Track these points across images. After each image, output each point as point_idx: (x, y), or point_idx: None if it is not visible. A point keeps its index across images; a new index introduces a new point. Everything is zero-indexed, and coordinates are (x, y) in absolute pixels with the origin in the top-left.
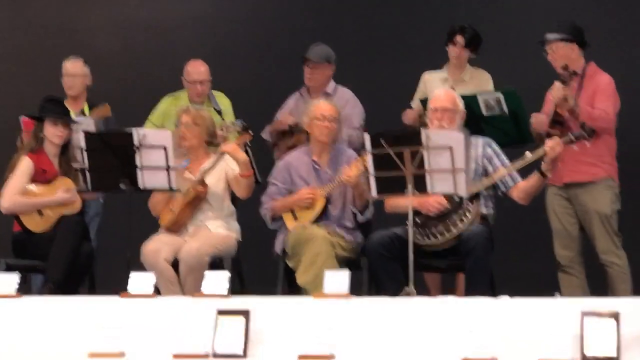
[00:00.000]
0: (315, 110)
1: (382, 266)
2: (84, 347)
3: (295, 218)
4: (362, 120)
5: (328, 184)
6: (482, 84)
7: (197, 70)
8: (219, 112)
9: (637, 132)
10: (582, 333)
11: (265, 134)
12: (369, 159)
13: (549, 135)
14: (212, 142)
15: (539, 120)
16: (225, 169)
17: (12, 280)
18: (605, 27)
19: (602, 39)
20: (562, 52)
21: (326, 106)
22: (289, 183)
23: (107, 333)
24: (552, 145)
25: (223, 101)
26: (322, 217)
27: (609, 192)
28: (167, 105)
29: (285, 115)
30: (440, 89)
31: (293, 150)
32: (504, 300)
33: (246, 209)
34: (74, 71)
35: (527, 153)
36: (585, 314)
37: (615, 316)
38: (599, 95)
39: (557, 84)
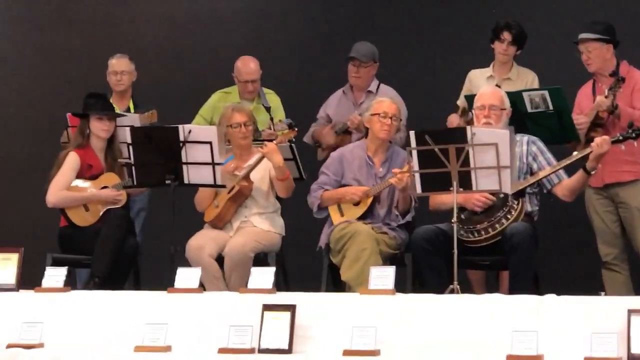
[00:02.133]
0: (378, 106)
1: (427, 261)
2: (130, 342)
3: (342, 214)
4: (405, 119)
5: (378, 184)
6: (528, 82)
7: (247, 69)
8: (268, 110)
9: None
10: (628, 331)
11: (307, 138)
12: (414, 156)
13: (591, 141)
14: (257, 138)
15: (579, 122)
16: (270, 166)
17: (60, 273)
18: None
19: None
20: (597, 53)
21: (390, 104)
22: (340, 175)
23: (153, 328)
24: (599, 143)
25: (272, 99)
26: (368, 215)
27: None
28: (217, 100)
29: (326, 131)
30: (486, 86)
31: (349, 144)
32: (550, 298)
33: (291, 205)
34: (120, 68)
35: (575, 152)
36: (631, 312)
37: None
38: (637, 94)
39: (600, 100)
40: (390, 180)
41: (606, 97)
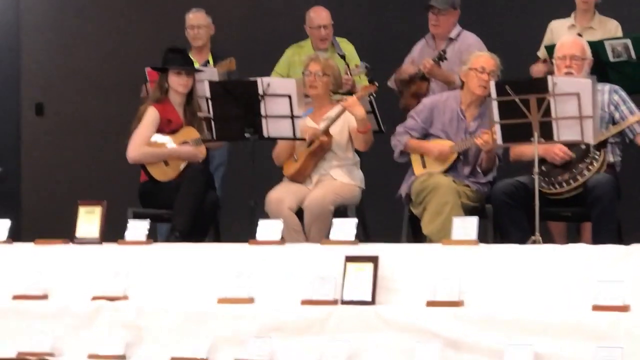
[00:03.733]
0: (476, 61)
1: (507, 214)
2: (214, 293)
3: (424, 166)
4: None
5: (465, 140)
6: (610, 32)
7: (319, 15)
8: (343, 57)
9: None
10: None
11: (391, 82)
12: (494, 106)
13: None
14: (337, 91)
15: None
16: (349, 119)
17: (142, 226)
18: None
19: None
20: None
21: (488, 59)
22: (428, 123)
23: (236, 279)
24: None
25: (346, 46)
26: (451, 170)
27: None
28: (292, 55)
29: (407, 65)
30: (567, 35)
31: (445, 91)
32: (635, 247)
33: (370, 157)
34: (197, 22)
35: None
36: None
37: None
38: None
39: None
40: (477, 141)
41: None
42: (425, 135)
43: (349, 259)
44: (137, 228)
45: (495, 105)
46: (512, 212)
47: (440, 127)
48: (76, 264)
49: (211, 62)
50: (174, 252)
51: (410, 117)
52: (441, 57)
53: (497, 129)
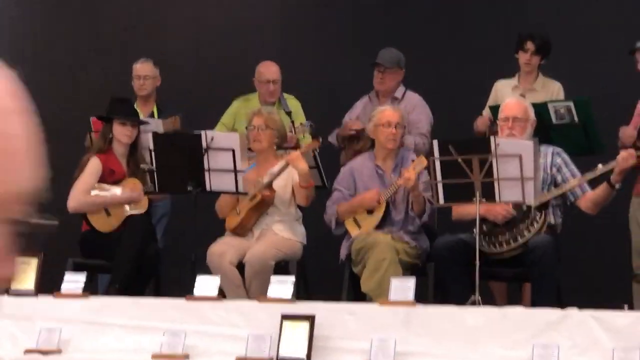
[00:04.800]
0: (380, 116)
1: (449, 271)
2: (148, 349)
3: (358, 226)
4: (430, 126)
5: (389, 186)
6: (553, 93)
7: (268, 70)
8: (289, 114)
9: None
10: None
11: (332, 138)
12: (437, 166)
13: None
14: (281, 145)
15: (626, 134)
16: (293, 174)
17: (79, 279)
18: None
19: None
20: None
21: (391, 112)
22: (352, 189)
23: (171, 335)
24: (624, 157)
25: (293, 103)
26: (385, 222)
27: None
28: (238, 107)
29: (352, 121)
30: (511, 97)
31: (357, 156)
32: (571, 311)
33: (312, 213)
34: (144, 72)
35: (599, 165)
36: None
37: None
38: None
39: None
40: (399, 182)
41: None
42: None
43: (286, 317)
44: (74, 281)
45: (437, 164)
46: (453, 269)
47: (364, 188)
48: (11, 316)
49: (156, 113)
50: (110, 306)
51: (335, 190)
52: None
53: (440, 188)
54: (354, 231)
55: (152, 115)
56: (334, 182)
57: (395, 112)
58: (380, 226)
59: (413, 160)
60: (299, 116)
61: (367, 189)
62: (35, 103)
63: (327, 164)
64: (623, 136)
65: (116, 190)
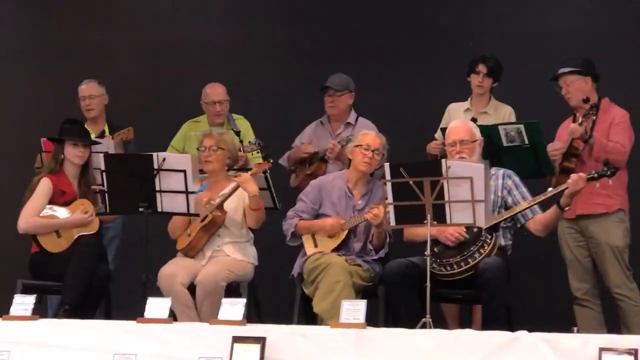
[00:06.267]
0: (362, 138)
1: (399, 294)
2: None
3: (316, 244)
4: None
5: (354, 217)
6: (504, 117)
7: (215, 91)
8: (238, 134)
9: None
10: None
11: (283, 161)
12: (388, 188)
13: (565, 170)
14: (233, 166)
15: (554, 148)
16: (244, 196)
17: (28, 302)
18: (618, 62)
19: (614, 75)
20: (576, 86)
21: (373, 137)
22: (318, 204)
23: (121, 358)
24: (575, 180)
25: (242, 123)
26: (342, 247)
27: (621, 225)
28: (187, 130)
29: (306, 145)
30: (453, 122)
31: (329, 174)
32: (521, 334)
33: (264, 234)
34: (89, 92)
35: (550, 188)
36: (603, 350)
37: (634, 353)
38: (614, 128)
39: (573, 126)
40: (366, 216)
41: (580, 124)
42: (316, 216)
43: (236, 339)
44: (23, 303)
45: (389, 186)
46: (404, 292)
47: (330, 206)
48: None
49: (107, 131)
50: (59, 329)
51: (300, 200)
52: (348, 141)
53: (391, 210)
54: (309, 249)
55: (102, 134)
56: (301, 192)
57: (377, 138)
58: (336, 250)
59: (386, 198)
60: (248, 135)
61: (334, 208)
62: None
63: (277, 185)
64: (552, 152)
65: (66, 213)
